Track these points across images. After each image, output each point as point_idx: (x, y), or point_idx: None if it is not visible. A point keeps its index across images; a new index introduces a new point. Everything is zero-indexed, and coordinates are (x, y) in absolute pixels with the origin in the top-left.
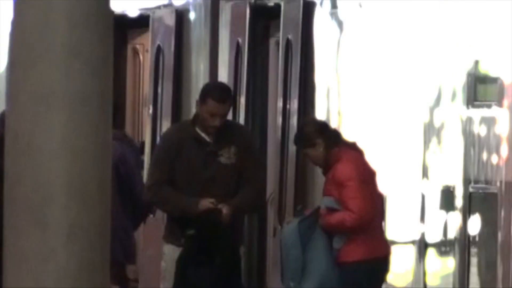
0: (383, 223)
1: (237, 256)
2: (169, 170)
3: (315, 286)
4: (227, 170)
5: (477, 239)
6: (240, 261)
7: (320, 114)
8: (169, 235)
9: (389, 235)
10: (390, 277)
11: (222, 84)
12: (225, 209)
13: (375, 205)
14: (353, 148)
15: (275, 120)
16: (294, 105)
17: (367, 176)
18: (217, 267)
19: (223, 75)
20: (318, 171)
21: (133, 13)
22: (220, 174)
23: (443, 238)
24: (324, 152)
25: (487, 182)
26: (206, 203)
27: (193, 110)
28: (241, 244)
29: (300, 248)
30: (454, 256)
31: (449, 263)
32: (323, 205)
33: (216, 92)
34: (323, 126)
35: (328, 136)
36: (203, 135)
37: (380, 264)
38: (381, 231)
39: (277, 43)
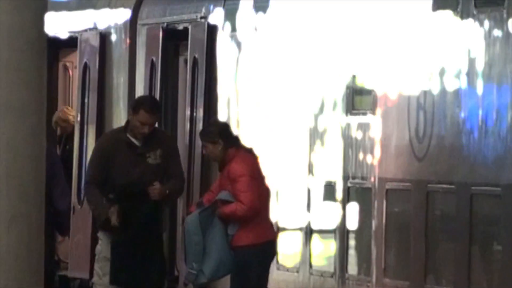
0: (269, 213)
1: (160, 240)
2: (101, 171)
3: (213, 266)
4: (154, 169)
5: (354, 226)
6: (162, 245)
7: (221, 120)
8: (103, 224)
9: (281, 223)
10: (281, 259)
11: (153, 97)
12: (156, 184)
13: (263, 198)
14: (248, 151)
15: (184, 126)
16: (200, 113)
17: (256, 174)
18: (143, 250)
19: (140, 88)
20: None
21: (63, 35)
22: (148, 173)
23: (326, 226)
24: (222, 150)
25: (363, 178)
26: (114, 211)
27: (115, 117)
28: (165, 230)
29: (201, 234)
30: (335, 240)
31: (331, 247)
32: (219, 198)
33: (147, 104)
34: (225, 128)
35: (228, 137)
36: (133, 139)
37: (268, 247)
38: (267, 219)
39: (186, 61)
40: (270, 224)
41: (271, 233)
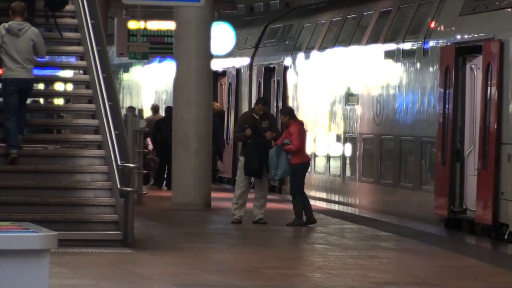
0: (306, 149)
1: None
2: (242, 127)
3: (282, 171)
4: (265, 129)
5: (348, 153)
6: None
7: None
8: (243, 138)
9: (317, 152)
10: (316, 168)
11: (264, 98)
12: (267, 133)
13: (304, 143)
14: (298, 122)
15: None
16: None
17: (302, 132)
18: None
19: (254, 94)
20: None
21: (220, 69)
22: (262, 129)
23: (336, 153)
24: (288, 119)
25: (352, 132)
26: (248, 130)
27: (243, 107)
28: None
29: (275, 157)
30: (340, 160)
31: (338, 163)
32: (284, 142)
33: (261, 101)
34: (290, 109)
35: (290, 113)
36: (255, 115)
37: (306, 164)
38: (305, 152)
39: (276, 81)
40: (307, 154)
41: (307, 158)
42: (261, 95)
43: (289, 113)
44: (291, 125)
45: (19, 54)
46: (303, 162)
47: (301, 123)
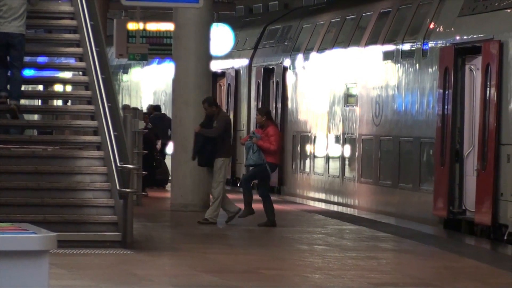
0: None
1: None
2: None
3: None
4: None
5: (347, 154)
6: None
7: None
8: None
9: (316, 153)
10: (315, 169)
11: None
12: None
13: (279, 146)
14: (275, 124)
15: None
16: (279, 106)
17: (278, 135)
18: None
19: (253, 95)
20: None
21: (218, 70)
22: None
23: (335, 154)
24: (265, 120)
25: (352, 133)
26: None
27: (242, 109)
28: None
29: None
30: (339, 161)
31: (337, 164)
32: (255, 134)
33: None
34: (269, 111)
35: (268, 115)
36: None
37: (275, 166)
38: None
39: (276, 83)
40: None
41: (279, 161)
42: (260, 96)
43: (267, 113)
44: (269, 126)
45: (8, 10)
46: (278, 164)
47: (277, 126)
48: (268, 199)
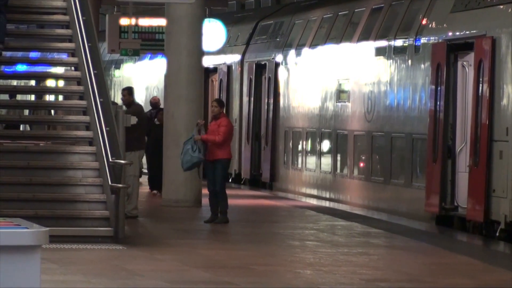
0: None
1: None
2: None
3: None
4: None
5: (340, 151)
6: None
7: None
8: None
9: (308, 149)
10: (307, 165)
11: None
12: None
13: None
14: (226, 116)
15: (266, 112)
16: (271, 102)
17: (231, 127)
18: None
19: (245, 90)
20: None
21: (211, 66)
22: None
23: (327, 150)
24: (218, 110)
25: (343, 129)
26: None
27: (234, 105)
28: None
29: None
30: (331, 156)
31: (329, 160)
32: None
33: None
34: (223, 102)
35: (222, 106)
36: None
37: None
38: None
39: (265, 78)
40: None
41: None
42: (252, 92)
43: (223, 105)
44: (222, 117)
45: None
46: (230, 158)
47: (229, 119)
48: (220, 195)
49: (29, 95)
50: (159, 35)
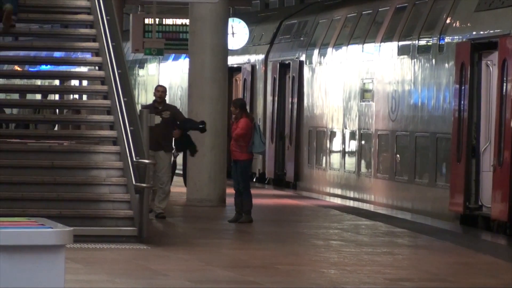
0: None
1: None
2: None
3: None
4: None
5: (364, 150)
6: None
7: None
8: None
9: (333, 148)
10: (331, 164)
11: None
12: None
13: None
14: (249, 116)
15: (290, 110)
16: (295, 100)
17: (250, 128)
18: None
19: (268, 89)
20: None
21: (235, 64)
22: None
23: (351, 149)
24: (239, 112)
25: (368, 129)
26: None
27: (258, 104)
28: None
29: None
30: (355, 156)
31: (353, 159)
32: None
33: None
34: (243, 102)
35: (242, 107)
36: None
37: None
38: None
39: (289, 78)
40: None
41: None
42: (276, 91)
43: (241, 106)
44: (242, 117)
45: None
46: (252, 159)
47: (251, 119)
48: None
49: (53, 95)
50: (183, 34)
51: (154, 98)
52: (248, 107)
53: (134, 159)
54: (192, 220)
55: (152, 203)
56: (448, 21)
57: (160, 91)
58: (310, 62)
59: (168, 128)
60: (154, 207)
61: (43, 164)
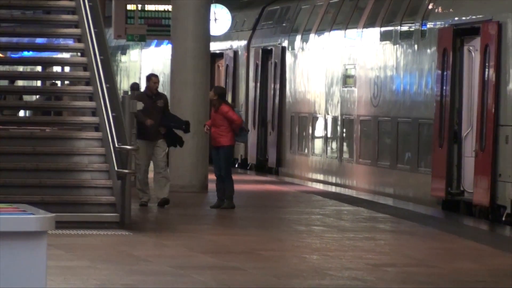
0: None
1: None
2: None
3: None
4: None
5: (346, 136)
6: None
7: None
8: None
9: (315, 134)
10: (314, 149)
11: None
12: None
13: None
14: (227, 103)
15: (273, 96)
16: (277, 86)
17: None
18: None
19: (251, 74)
20: None
21: (217, 50)
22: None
23: (333, 135)
24: (218, 99)
25: (350, 114)
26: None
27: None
28: None
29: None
30: (337, 142)
31: (335, 145)
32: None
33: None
34: (223, 90)
35: (222, 95)
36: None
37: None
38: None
39: (272, 63)
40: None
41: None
42: (259, 77)
43: (220, 95)
44: (222, 104)
45: None
46: (234, 145)
47: (231, 107)
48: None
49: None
50: (166, 20)
51: (146, 86)
52: (230, 93)
53: (116, 145)
54: (174, 206)
55: (138, 190)
56: (430, 6)
57: (157, 82)
58: (293, 48)
59: (162, 116)
60: (140, 195)
61: (25, 150)
